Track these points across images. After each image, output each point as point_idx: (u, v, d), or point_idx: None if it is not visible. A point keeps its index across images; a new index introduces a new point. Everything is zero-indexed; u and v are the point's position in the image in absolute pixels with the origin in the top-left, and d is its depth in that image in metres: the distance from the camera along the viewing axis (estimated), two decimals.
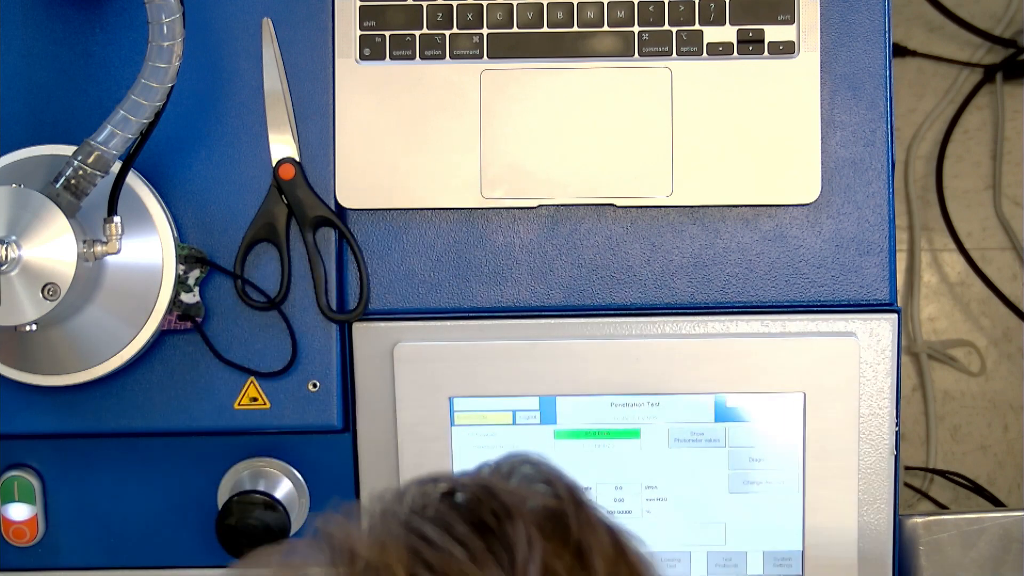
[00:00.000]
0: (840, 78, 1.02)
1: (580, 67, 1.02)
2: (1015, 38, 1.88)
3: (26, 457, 1.05)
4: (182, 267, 1.00)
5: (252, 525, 0.98)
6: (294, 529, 1.02)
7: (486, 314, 1.02)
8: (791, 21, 1.02)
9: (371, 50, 1.02)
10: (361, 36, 1.02)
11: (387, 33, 1.02)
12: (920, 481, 1.84)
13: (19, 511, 1.03)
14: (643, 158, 1.01)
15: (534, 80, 1.02)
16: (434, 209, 1.02)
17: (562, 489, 0.52)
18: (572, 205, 1.02)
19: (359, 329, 1.02)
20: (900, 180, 1.88)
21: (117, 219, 0.94)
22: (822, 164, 1.02)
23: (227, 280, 1.01)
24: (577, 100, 1.02)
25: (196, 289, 1.00)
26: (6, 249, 0.89)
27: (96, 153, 0.90)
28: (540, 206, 1.02)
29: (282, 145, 1.01)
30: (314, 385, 1.01)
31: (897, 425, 1.01)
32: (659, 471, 1.01)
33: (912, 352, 1.86)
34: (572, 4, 1.02)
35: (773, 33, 1.02)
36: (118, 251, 0.94)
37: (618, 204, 1.02)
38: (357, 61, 1.02)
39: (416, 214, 1.03)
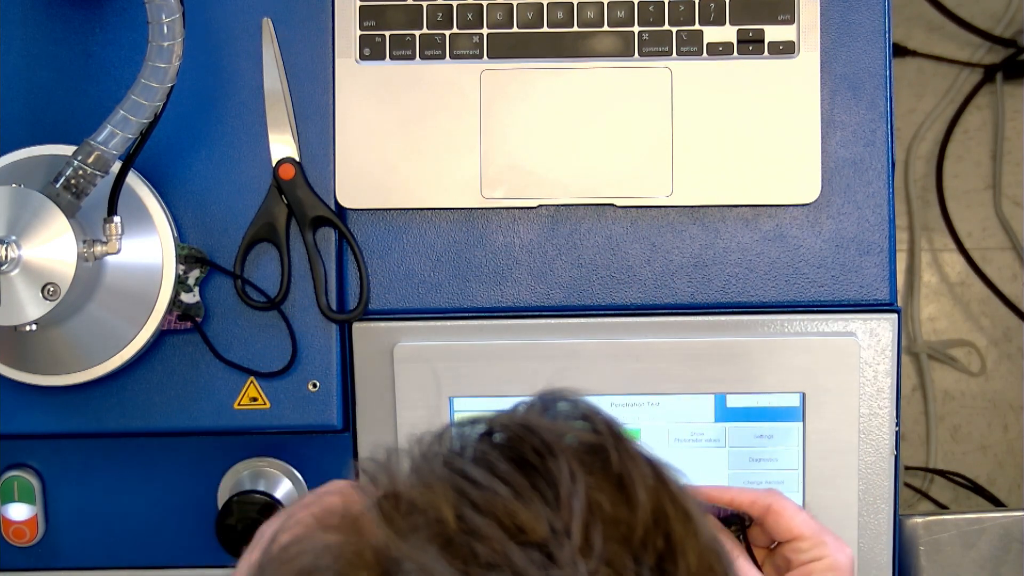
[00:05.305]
0: (840, 78, 1.02)
1: (580, 67, 1.02)
2: (1015, 38, 1.88)
3: (26, 457, 1.05)
4: (182, 267, 1.00)
5: (252, 525, 0.98)
6: None
7: (486, 314, 1.02)
8: (791, 21, 1.01)
9: (371, 50, 1.02)
10: (361, 36, 1.02)
11: (387, 33, 1.02)
12: (920, 481, 1.84)
13: (19, 511, 1.03)
14: (643, 158, 1.01)
15: (534, 80, 1.02)
16: (434, 209, 1.02)
17: (600, 424, 0.52)
18: (572, 205, 1.02)
19: (359, 329, 1.02)
20: (900, 180, 1.88)
21: (117, 219, 0.94)
22: (822, 164, 1.02)
23: (227, 280, 1.01)
24: (577, 100, 1.01)
25: (196, 289, 1.00)
26: (6, 249, 0.89)
27: (96, 153, 0.90)
28: (540, 206, 1.02)
29: (282, 145, 1.01)
30: (314, 385, 1.01)
31: (897, 425, 1.01)
32: None
33: (912, 352, 1.86)
34: (572, 4, 1.02)
35: (773, 33, 1.02)
36: (118, 251, 0.94)
37: (618, 204, 1.02)
38: (357, 61, 1.02)
39: (416, 214, 1.03)
